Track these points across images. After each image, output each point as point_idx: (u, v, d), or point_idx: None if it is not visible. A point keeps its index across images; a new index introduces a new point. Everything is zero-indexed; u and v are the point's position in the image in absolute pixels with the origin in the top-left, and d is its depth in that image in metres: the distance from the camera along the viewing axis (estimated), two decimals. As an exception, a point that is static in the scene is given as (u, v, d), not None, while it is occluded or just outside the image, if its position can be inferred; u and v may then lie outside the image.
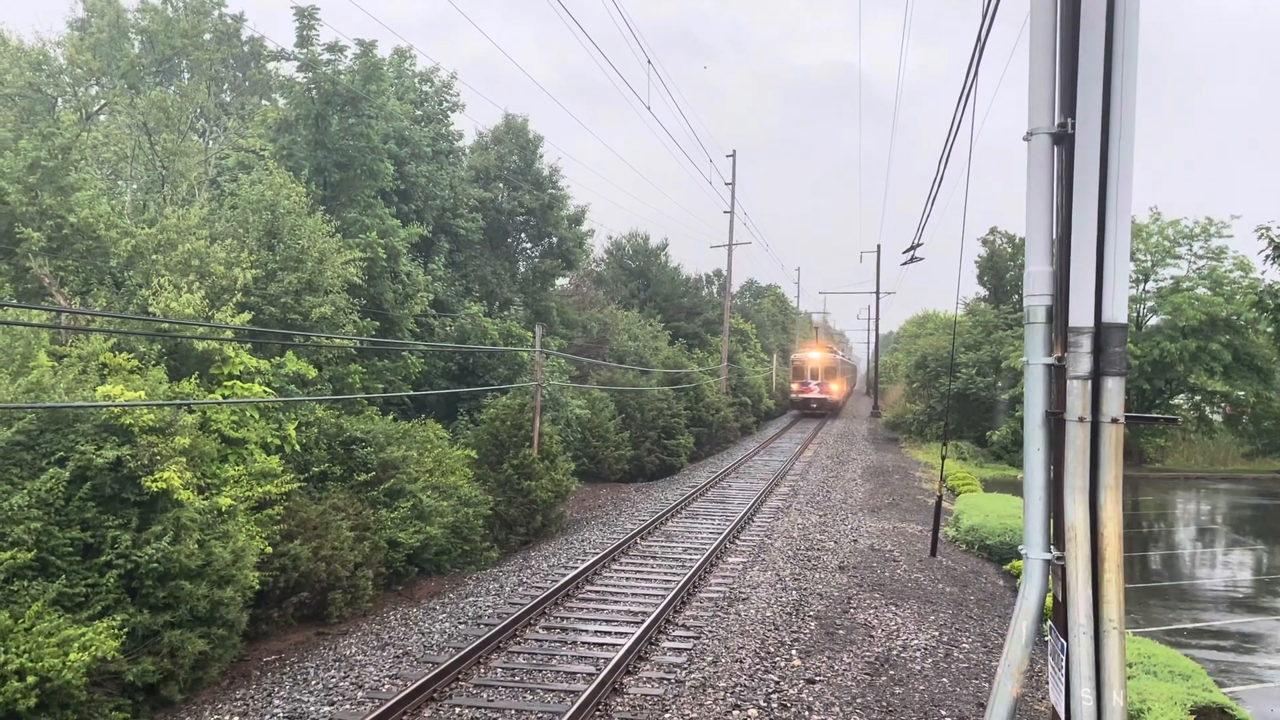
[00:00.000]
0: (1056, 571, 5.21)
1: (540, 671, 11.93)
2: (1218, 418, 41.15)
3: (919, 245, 15.28)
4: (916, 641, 13.48)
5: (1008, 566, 19.19)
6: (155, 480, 11.25)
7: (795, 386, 60.74)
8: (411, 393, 21.30)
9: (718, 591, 15.97)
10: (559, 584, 15.56)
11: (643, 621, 13.75)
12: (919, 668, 12.37)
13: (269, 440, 15.08)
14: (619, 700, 10.95)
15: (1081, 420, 4.93)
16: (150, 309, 14.64)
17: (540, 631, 13.70)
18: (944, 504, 21.50)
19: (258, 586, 12.66)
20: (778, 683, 11.60)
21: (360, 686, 11.48)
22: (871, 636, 13.63)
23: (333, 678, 11.82)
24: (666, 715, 10.54)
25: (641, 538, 20.41)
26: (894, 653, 12.94)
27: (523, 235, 35.46)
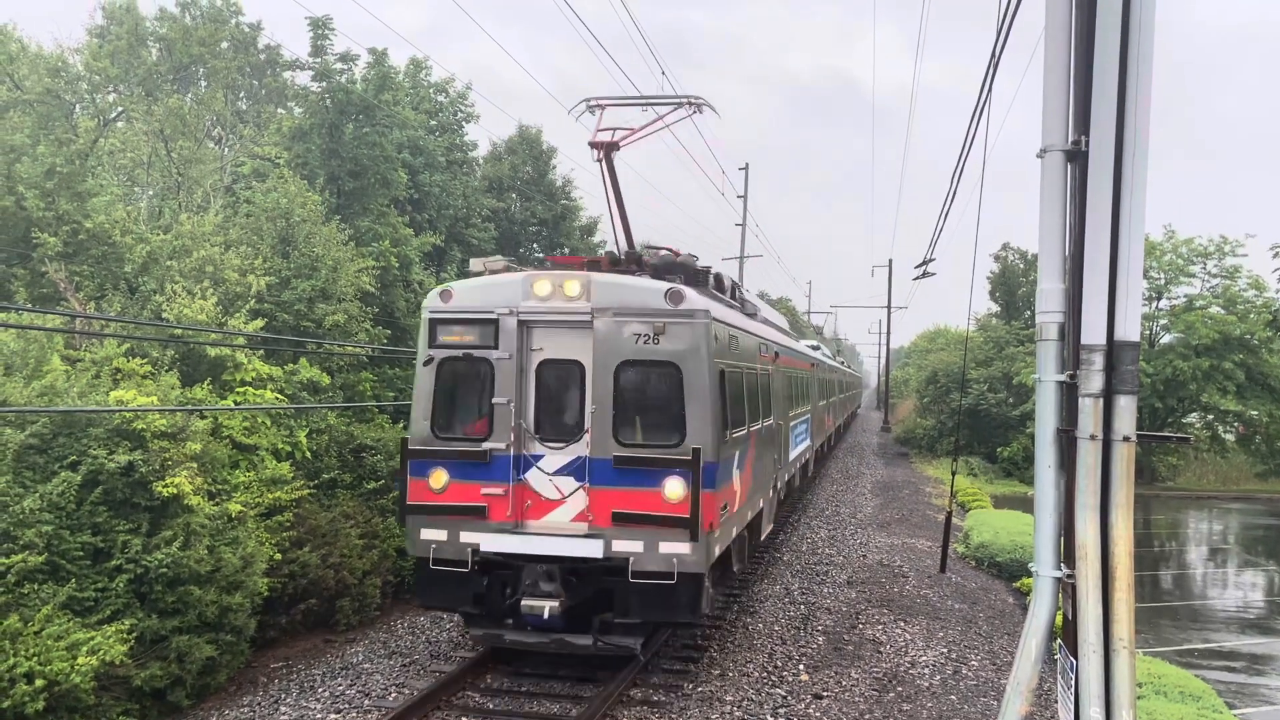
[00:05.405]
0: (1067, 589, 5.18)
1: (547, 680, 11.90)
2: (1230, 437, 40.94)
3: (931, 260, 15.28)
4: (925, 658, 13.40)
5: (1017, 584, 19.07)
6: (166, 485, 11.29)
7: (431, 480, 11.02)
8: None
9: (724, 604, 15.90)
10: (566, 595, 15.51)
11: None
12: (927, 684, 12.30)
13: (280, 447, 15.11)
14: (625, 713, 10.92)
15: (1093, 438, 4.92)
16: (164, 315, 14.73)
17: (547, 642, 13.65)
18: (954, 520, 21.39)
19: (266, 593, 12.66)
20: (785, 697, 11.54)
21: (367, 695, 11.48)
22: (880, 652, 13.56)
23: (339, 685, 11.82)
24: (672, 728, 10.49)
25: (649, 549, 20.31)
26: (902, 669, 12.87)
27: (535, 245, 35.55)
